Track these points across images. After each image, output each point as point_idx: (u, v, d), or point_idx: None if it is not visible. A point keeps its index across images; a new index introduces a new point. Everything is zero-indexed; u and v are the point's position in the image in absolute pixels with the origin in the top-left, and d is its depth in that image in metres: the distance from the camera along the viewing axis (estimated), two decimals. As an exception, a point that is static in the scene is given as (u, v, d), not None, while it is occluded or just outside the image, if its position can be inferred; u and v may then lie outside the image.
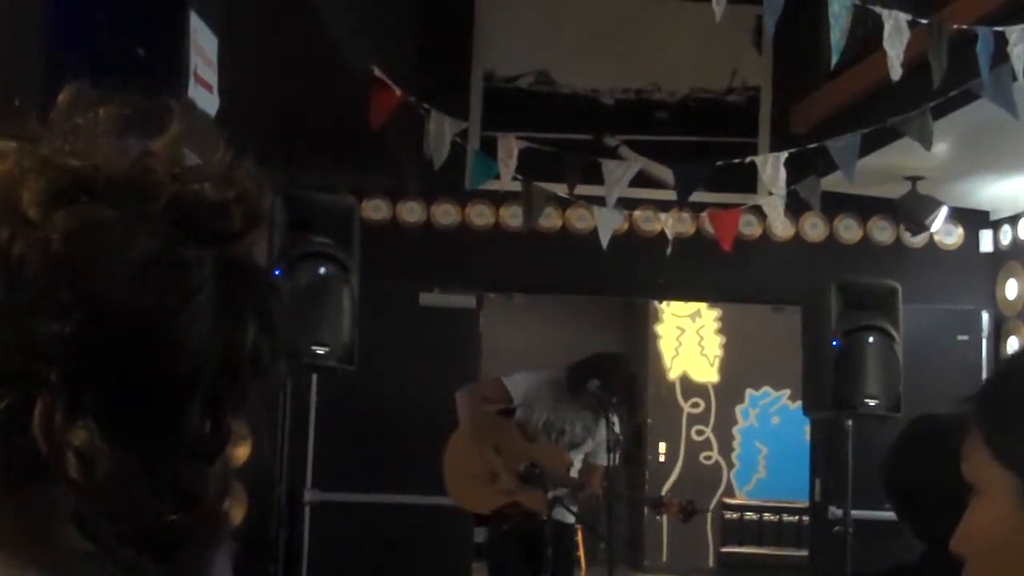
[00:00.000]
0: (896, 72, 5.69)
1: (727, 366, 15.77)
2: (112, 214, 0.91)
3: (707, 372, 15.84)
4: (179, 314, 0.91)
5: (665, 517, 15.15)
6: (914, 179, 8.11)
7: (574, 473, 6.76)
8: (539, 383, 6.77)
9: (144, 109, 0.98)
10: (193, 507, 0.92)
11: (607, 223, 7.37)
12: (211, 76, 3.99)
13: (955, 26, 5.82)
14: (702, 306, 15.57)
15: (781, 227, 8.62)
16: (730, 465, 15.63)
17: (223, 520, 0.96)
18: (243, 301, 0.95)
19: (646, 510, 15.19)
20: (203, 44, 3.93)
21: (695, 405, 15.76)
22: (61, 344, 0.88)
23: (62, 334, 0.88)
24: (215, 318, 0.93)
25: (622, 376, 6.74)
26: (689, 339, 15.87)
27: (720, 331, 15.83)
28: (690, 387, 15.80)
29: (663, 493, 6.98)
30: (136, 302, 0.90)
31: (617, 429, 6.43)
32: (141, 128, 0.98)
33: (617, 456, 6.48)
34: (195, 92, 3.85)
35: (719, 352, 15.85)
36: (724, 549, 15.39)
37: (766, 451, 15.55)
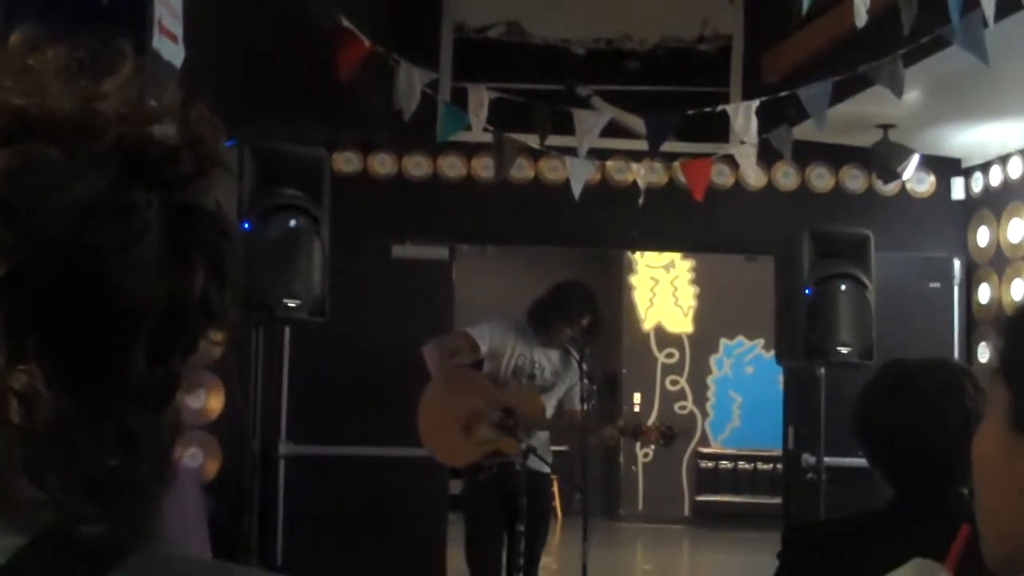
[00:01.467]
0: (861, 19, 5.68)
1: (701, 316, 15.83)
2: (56, 154, 0.89)
3: (681, 322, 15.90)
4: (122, 257, 0.89)
5: (640, 466, 15.25)
6: (886, 127, 8.11)
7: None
8: (504, 330, 6.79)
9: (97, 51, 0.96)
10: (137, 453, 0.91)
11: (579, 174, 7.35)
12: (176, 27, 3.96)
13: (926, -28, 5.80)
14: (676, 256, 15.62)
15: (753, 176, 8.62)
16: (705, 415, 15.73)
17: (169, 467, 0.95)
18: (191, 246, 0.94)
19: (622, 459, 15.29)
20: (167, -6, 3.90)
21: (669, 355, 15.83)
22: (1, 286, 0.86)
23: (2, 276, 0.86)
24: (161, 262, 0.91)
25: (581, 298, 6.75)
26: (663, 290, 15.92)
27: (694, 281, 15.89)
28: (664, 337, 15.86)
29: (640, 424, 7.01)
30: (77, 244, 0.88)
31: (586, 367, 6.46)
32: (95, 70, 0.96)
33: (591, 404, 6.50)
34: (160, 43, 3.81)
35: (693, 302, 15.91)
36: (699, 498, 15.51)
37: (740, 400, 15.65)
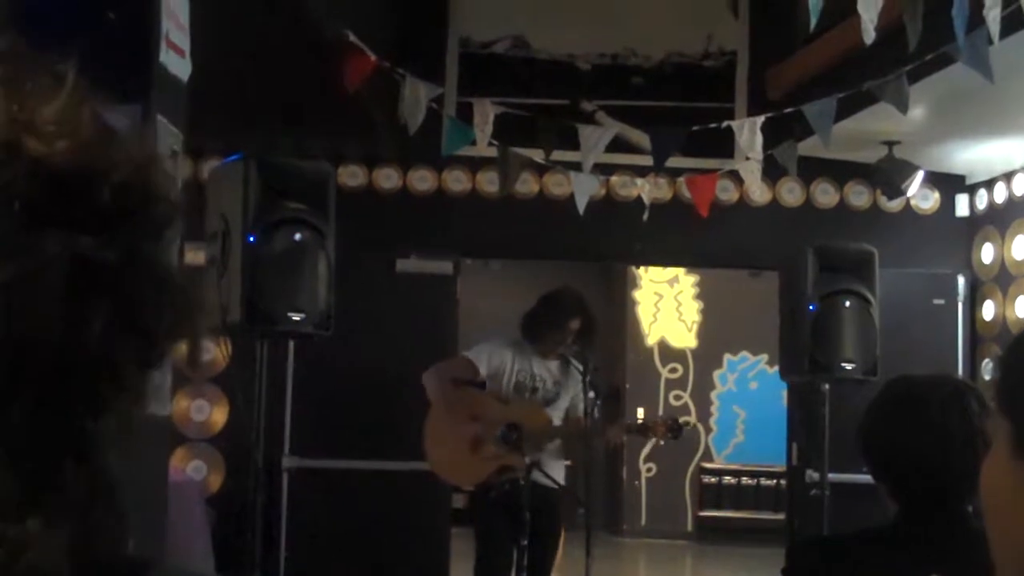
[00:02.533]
0: (869, 35, 5.68)
1: (705, 331, 15.81)
2: None
3: (685, 337, 15.88)
4: (7, 310, 0.83)
5: (643, 480, 15.23)
6: (890, 143, 8.12)
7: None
8: (502, 348, 6.76)
9: (46, 70, 0.89)
10: (42, 514, 0.85)
11: (584, 189, 7.36)
12: (183, 40, 3.96)
13: (931, -11, 5.81)
14: (680, 272, 15.61)
15: (758, 192, 8.62)
16: (708, 430, 15.70)
17: (97, 531, 0.89)
18: (97, 292, 0.86)
19: (625, 474, 15.26)
20: (175, 8, 3.90)
21: (673, 370, 15.81)
22: None
23: None
24: (55, 310, 0.84)
25: (568, 301, 6.73)
26: (667, 305, 15.91)
27: (698, 296, 15.87)
28: (668, 352, 15.84)
29: (643, 419, 6.89)
30: None
31: (588, 375, 6.44)
32: (34, 95, 0.88)
33: (596, 410, 6.47)
34: (167, 57, 3.82)
35: (697, 317, 15.89)
36: (702, 513, 15.47)
37: (744, 416, 15.62)
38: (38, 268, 0.84)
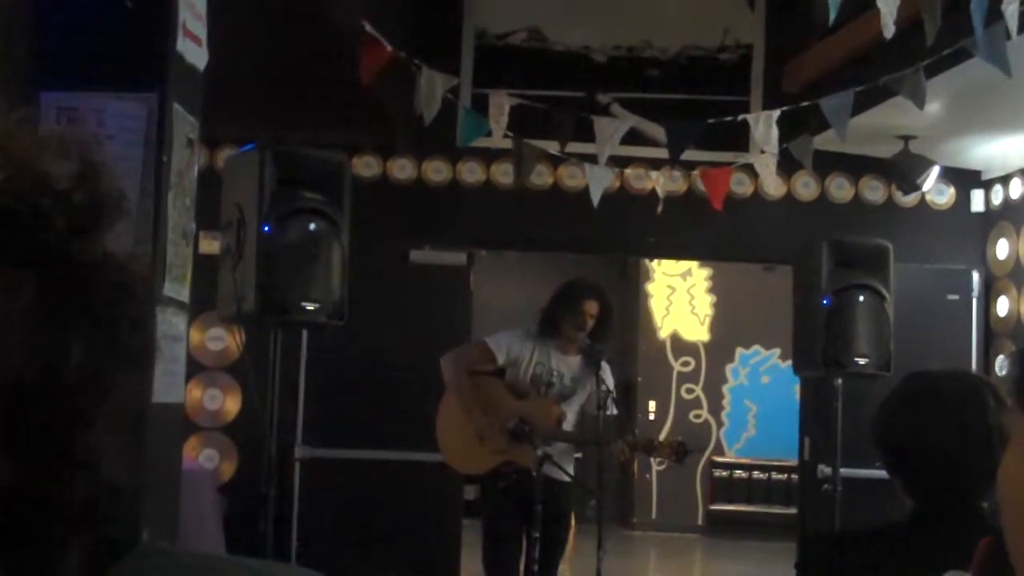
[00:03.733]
0: (889, 29, 5.66)
1: (717, 325, 15.80)
2: None
3: (697, 331, 15.87)
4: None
5: (654, 474, 15.22)
6: (906, 138, 8.10)
7: (569, 427, 6.74)
8: (522, 338, 6.74)
9: None
10: (39, 528, 0.86)
11: (598, 181, 7.35)
12: (200, 30, 3.96)
13: (949, -16, 5.79)
14: (693, 265, 15.61)
15: (773, 186, 8.62)
16: (720, 424, 15.70)
17: (75, 531, 0.88)
18: (72, 316, 0.85)
19: (636, 468, 15.26)
20: (192, -3, 3.90)
21: (685, 364, 15.80)
22: None
23: None
24: (34, 339, 0.82)
25: (583, 285, 6.72)
26: (680, 298, 15.90)
27: (711, 290, 15.86)
28: (680, 346, 15.84)
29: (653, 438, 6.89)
30: None
31: (609, 377, 6.44)
32: None
33: (610, 404, 6.44)
34: (184, 46, 3.82)
35: (710, 311, 15.88)
36: (713, 507, 15.48)
37: (756, 410, 15.61)
38: (7, 315, 0.81)
